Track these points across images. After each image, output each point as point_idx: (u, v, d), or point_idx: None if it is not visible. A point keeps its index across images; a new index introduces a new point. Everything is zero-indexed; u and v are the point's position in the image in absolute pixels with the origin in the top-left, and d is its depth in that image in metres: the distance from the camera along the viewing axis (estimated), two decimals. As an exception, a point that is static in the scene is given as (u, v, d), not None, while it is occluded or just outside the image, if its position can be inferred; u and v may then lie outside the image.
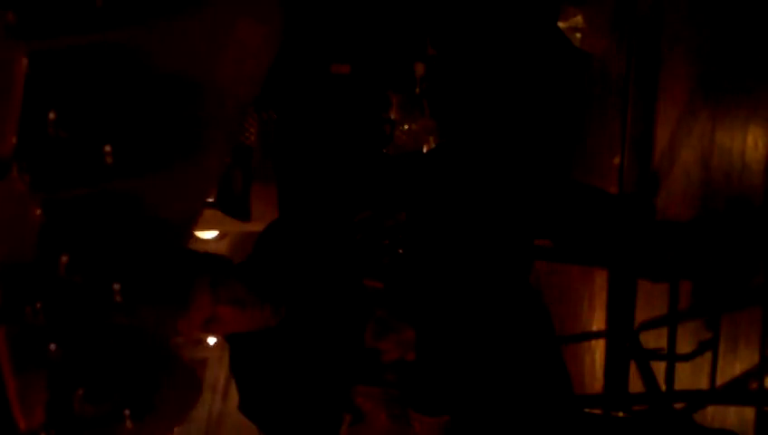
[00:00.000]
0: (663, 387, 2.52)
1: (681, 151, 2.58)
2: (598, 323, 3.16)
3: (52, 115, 0.58)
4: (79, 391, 0.65)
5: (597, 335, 3.15)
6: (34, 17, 0.55)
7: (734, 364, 2.24)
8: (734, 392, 2.25)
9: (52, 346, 0.63)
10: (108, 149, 0.58)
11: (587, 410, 2.41)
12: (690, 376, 2.45)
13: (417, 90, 2.96)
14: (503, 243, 1.85)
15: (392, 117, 2.92)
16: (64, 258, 0.61)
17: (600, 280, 3.10)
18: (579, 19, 3.22)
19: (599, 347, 3.13)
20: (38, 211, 0.61)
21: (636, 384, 2.71)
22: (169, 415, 0.67)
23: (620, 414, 2.48)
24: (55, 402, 0.66)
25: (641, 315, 2.81)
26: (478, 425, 1.74)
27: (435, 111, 2.88)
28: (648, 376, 2.56)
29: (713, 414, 2.32)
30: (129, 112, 0.66)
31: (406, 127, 2.92)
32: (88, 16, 0.59)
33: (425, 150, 2.78)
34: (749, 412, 2.17)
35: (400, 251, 1.60)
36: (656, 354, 2.61)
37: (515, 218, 1.89)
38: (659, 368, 2.56)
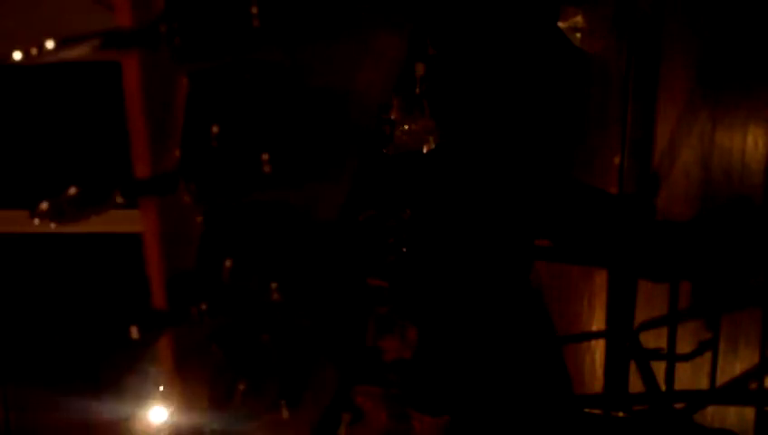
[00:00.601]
0: (663, 387, 2.52)
1: (681, 151, 2.57)
2: (598, 323, 3.16)
3: (214, 129, 0.62)
4: (240, 386, 0.70)
5: (597, 335, 3.15)
6: (197, 41, 0.57)
7: (734, 364, 2.24)
8: (734, 392, 2.25)
9: (214, 347, 0.69)
10: (266, 158, 0.62)
11: (587, 410, 2.41)
12: (690, 376, 2.45)
13: (417, 90, 2.96)
14: (503, 243, 1.85)
15: (392, 117, 2.92)
16: (228, 263, 0.66)
17: (600, 280, 3.10)
18: (579, 19, 3.22)
19: (599, 347, 3.13)
20: (199, 220, 0.65)
21: (636, 384, 2.71)
22: (315, 407, 0.76)
23: (620, 414, 2.48)
24: (218, 397, 0.72)
25: (641, 315, 2.81)
26: (478, 425, 1.74)
27: (435, 110, 2.88)
28: (647, 376, 2.56)
29: (713, 414, 2.31)
30: (284, 125, 0.70)
31: (406, 127, 2.92)
32: (246, 38, 0.62)
33: (425, 150, 2.78)
34: (749, 412, 2.17)
35: (404, 250, 1.60)
36: (656, 354, 2.61)
37: (515, 218, 1.89)
38: (659, 368, 2.56)
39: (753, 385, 2.16)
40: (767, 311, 2.10)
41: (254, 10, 0.62)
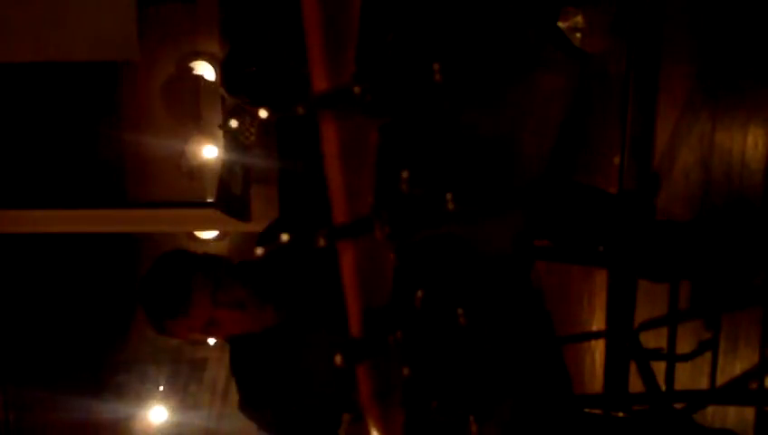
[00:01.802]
0: (663, 387, 2.52)
1: (681, 151, 2.57)
2: (598, 323, 3.16)
3: (404, 175, 0.71)
4: (433, 404, 0.80)
5: (597, 335, 3.15)
6: (387, 98, 0.67)
7: (734, 364, 2.24)
8: (734, 392, 2.25)
9: (406, 370, 0.77)
10: (449, 197, 0.71)
11: (587, 410, 2.41)
12: (690, 376, 2.45)
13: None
14: (503, 241, 1.84)
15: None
16: (419, 293, 0.75)
17: (600, 280, 3.10)
18: (579, 19, 3.22)
19: (599, 347, 3.13)
20: (392, 256, 0.75)
21: (636, 384, 2.71)
22: (503, 417, 0.88)
23: (620, 414, 2.48)
24: (413, 417, 0.80)
25: (641, 315, 2.81)
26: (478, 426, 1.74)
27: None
28: (647, 376, 2.56)
29: (713, 414, 2.31)
30: (464, 169, 0.81)
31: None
32: (428, 92, 0.72)
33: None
34: (749, 412, 2.17)
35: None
36: (656, 354, 2.61)
37: (515, 218, 1.89)
38: (659, 368, 2.56)
39: (753, 385, 2.16)
40: (767, 311, 2.10)
41: (436, 66, 0.70)
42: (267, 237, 2.00)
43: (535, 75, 0.84)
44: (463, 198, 0.72)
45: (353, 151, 0.70)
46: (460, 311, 0.77)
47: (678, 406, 2.39)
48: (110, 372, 5.73)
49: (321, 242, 0.70)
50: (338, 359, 0.73)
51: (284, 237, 0.69)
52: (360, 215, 0.71)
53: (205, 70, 5.50)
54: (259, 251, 0.69)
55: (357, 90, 0.67)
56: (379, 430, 0.82)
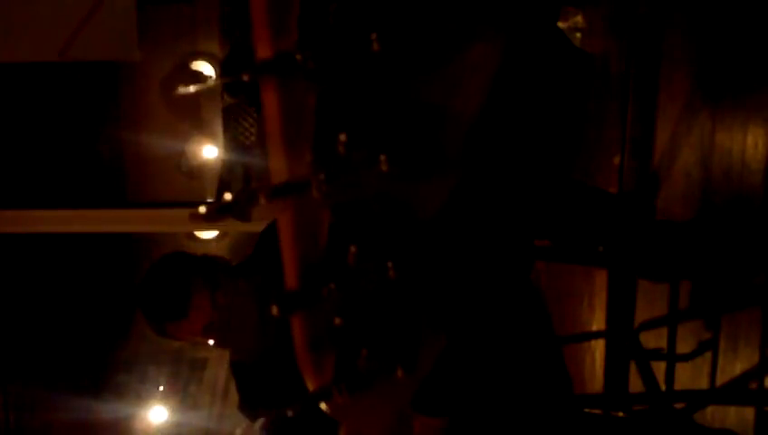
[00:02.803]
0: (663, 387, 2.52)
1: (681, 151, 2.58)
2: (598, 323, 3.16)
3: (342, 137, 0.77)
4: (363, 352, 0.85)
5: (597, 335, 3.15)
6: (327, 64, 0.74)
7: (734, 364, 2.24)
8: (734, 392, 2.25)
9: (338, 320, 0.84)
10: (383, 158, 0.77)
11: (587, 410, 2.41)
12: (690, 376, 2.45)
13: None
14: (503, 243, 1.85)
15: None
16: (353, 248, 0.81)
17: (600, 280, 3.10)
18: (579, 19, 3.22)
19: (599, 347, 3.13)
20: (327, 214, 0.82)
21: (636, 384, 2.72)
22: (424, 367, 0.95)
23: (620, 414, 2.48)
24: (343, 364, 0.87)
25: (641, 315, 2.81)
26: (479, 426, 1.74)
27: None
28: (647, 376, 2.56)
29: (713, 414, 2.32)
30: (397, 132, 0.88)
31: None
32: (368, 62, 0.79)
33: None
34: (749, 412, 2.17)
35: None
36: (656, 354, 2.61)
37: (516, 218, 1.89)
38: (659, 368, 2.56)
39: (753, 385, 2.17)
40: (767, 311, 2.10)
41: (374, 36, 0.75)
42: (268, 237, 2.00)
43: (466, 45, 0.90)
44: (396, 159, 0.77)
45: (293, 116, 0.76)
46: (390, 265, 0.82)
47: (678, 406, 2.39)
48: (110, 372, 5.73)
49: (262, 200, 0.74)
50: (274, 309, 0.78)
51: (227, 197, 0.73)
52: (299, 176, 0.76)
53: (205, 70, 5.50)
54: (202, 209, 0.74)
55: (299, 56, 0.71)
56: (311, 379, 0.88)
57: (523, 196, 1.87)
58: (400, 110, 0.87)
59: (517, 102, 1.58)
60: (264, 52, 0.73)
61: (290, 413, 0.85)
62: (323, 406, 0.90)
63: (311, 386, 0.88)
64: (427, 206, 0.91)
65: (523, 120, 1.74)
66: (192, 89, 0.85)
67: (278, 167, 0.77)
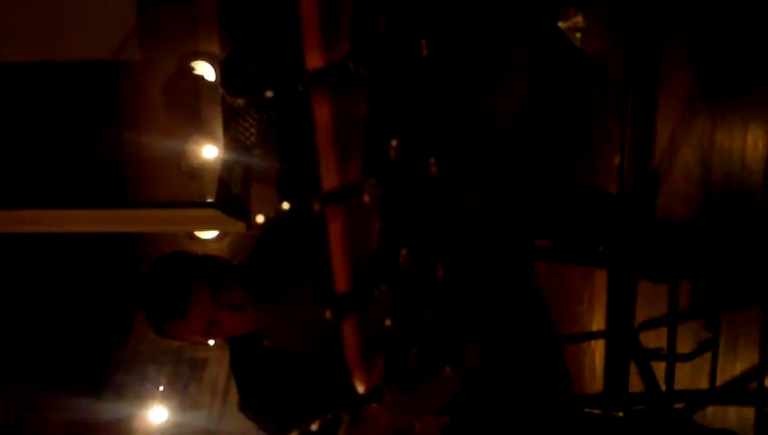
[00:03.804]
0: (663, 387, 2.52)
1: (681, 151, 2.58)
2: (598, 323, 3.16)
3: (394, 143, 0.78)
4: (413, 351, 0.86)
5: (597, 335, 3.15)
6: (377, 71, 0.75)
7: (734, 364, 2.24)
8: (734, 392, 2.25)
9: (388, 321, 0.84)
10: (433, 161, 0.79)
11: (587, 410, 2.41)
12: (690, 376, 2.45)
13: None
14: (503, 243, 1.85)
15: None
16: (404, 251, 0.82)
17: (600, 280, 3.10)
18: (579, 19, 3.22)
19: (599, 347, 3.13)
20: (377, 217, 0.83)
21: (636, 384, 2.72)
22: (468, 366, 0.96)
23: (620, 414, 2.48)
24: (393, 364, 0.88)
25: (641, 315, 2.81)
26: (479, 425, 1.74)
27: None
28: (648, 376, 2.56)
29: (713, 414, 2.32)
30: (446, 135, 0.91)
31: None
32: (417, 68, 0.81)
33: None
34: (749, 412, 2.17)
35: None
36: (656, 354, 2.61)
37: (515, 218, 1.89)
38: (659, 368, 2.56)
39: (753, 385, 2.17)
40: (767, 311, 2.10)
41: (423, 42, 0.77)
42: (267, 236, 2.00)
43: (509, 48, 0.93)
44: (445, 162, 0.78)
45: (344, 124, 0.76)
46: (439, 265, 0.84)
47: (678, 406, 2.39)
48: (110, 372, 5.73)
49: (316, 207, 0.75)
50: (327, 313, 0.79)
51: (285, 205, 0.75)
52: (349, 182, 0.77)
53: (205, 70, 5.50)
54: (260, 219, 0.76)
55: (351, 65, 0.72)
56: (361, 381, 0.89)
57: (523, 195, 1.87)
58: (448, 114, 0.89)
59: (546, 99, 1.60)
60: (315, 62, 0.73)
61: (342, 415, 0.86)
62: (375, 405, 0.91)
63: (361, 387, 0.89)
64: (472, 206, 0.94)
65: (546, 118, 1.75)
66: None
67: (329, 173, 0.78)
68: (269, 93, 0.76)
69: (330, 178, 0.78)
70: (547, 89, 1.88)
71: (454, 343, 0.90)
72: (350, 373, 0.89)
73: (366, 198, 0.76)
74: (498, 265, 1.63)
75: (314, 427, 0.84)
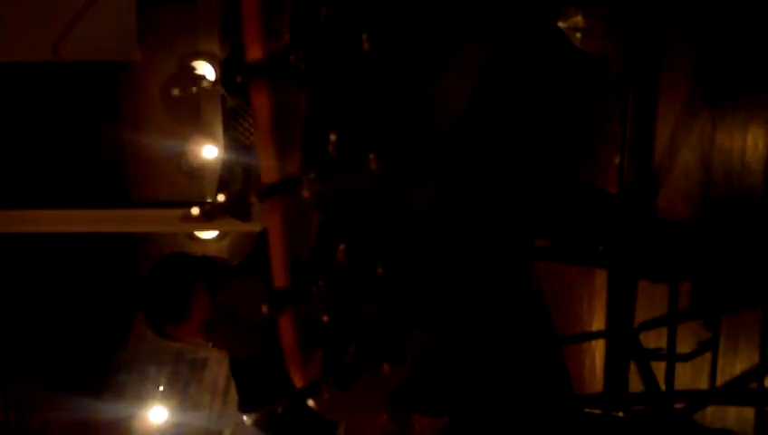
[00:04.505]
0: (663, 387, 2.52)
1: (681, 151, 2.58)
2: (598, 323, 3.16)
3: (332, 138, 0.76)
4: (351, 348, 0.85)
5: (597, 335, 3.15)
6: (320, 66, 0.73)
7: (734, 364, 2.24)
8: (734, 392, 2.25)
9: (326, 317, 0.83)
10: (372, 157, 0.77)
11: (587, 410, 2.41)
12: (690, 376, 2.45)
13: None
14: (503, 243, 1.85)
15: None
16: (342, 246, 0.81)
17: (600, 280, 3.10)
18: (579, 19, 3.22)
19: (599, 347, 3.13)
20: (316, 212, 0.81)
21: (636, 384, 2.71)
22: (409, 362, 0.95)
23: (620, 414, 2.48)
24: (330, 360, 0.86)
25: (641, 315, 2.81)
26: (478, 426, 1.74)
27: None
28: (647, 376, 2.56)
29: (713, 414, 2.31)
30: (385, 130, 0.90)
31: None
32: (358, 62, 0.79)
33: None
34: (749, 412, 2.17)
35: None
36: (656, 354, 2.61)
37: (516, 218, 1.89)
38: (659, 368, 2.56)
39: (753, 385, 2.16)
40: (767, 311, 2.10)
41: (365, 36, 0.76)
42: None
43: (452, 44, 0.92)
44: (384, 157, 0.77)
45: (283, 117, 0.76)
46: (377, 261, 0.83)
47: (678, 406, 2.39)
48: (110, 372, 5.73)
49: (253, 200, 0.74)
50: (264, 308, 0.78)
51: (220, 198, 0.75)
52: (289, 176, 0.76)
53: (205, 70, 5.50)
54: (195, 211, 0.74)
55: (292, 58, 0.72)
56: (298, 376, 0.89)
57: (522, 195, 1.87)
58: (388, 109, 0.88)
59: (509, 100, 1.59)
60: (255, 53, 0.73)
61: (279, 410, 0.85)
62: (311, 402, 0.90)
63: (298, 383, 0.88)
64: (414, 203, 0.93)
65: (519, 118, 1.74)
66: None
67: (268, 167, 0.77)
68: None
69: (268, 171, 0.77)
70: (547, 89, 1.88)
71: (392, 339, 0.89)
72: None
73: (305, 193, 0.75)
74: (476, 264, 1.62)
75: (248, 421, 0.83)
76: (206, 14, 5.37)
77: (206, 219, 0.74)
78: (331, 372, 0.85)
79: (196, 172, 5.64)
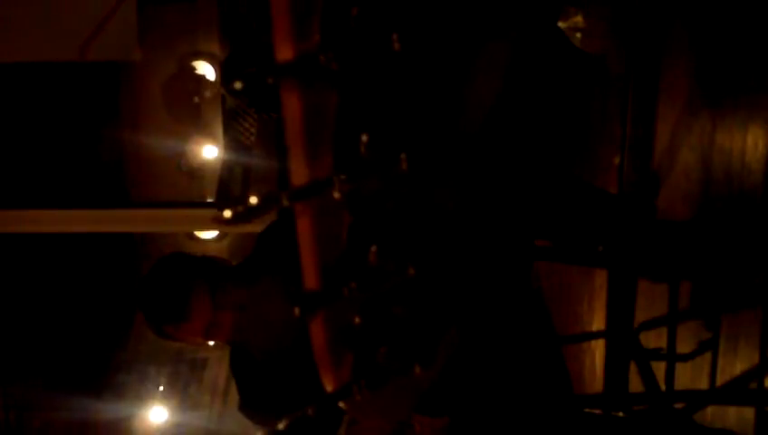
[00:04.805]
0: (663, 387, 2.52)
1: (681, 151, 2.58)
2: (598, 323, 3.16)
3: (364, 138, 0.76)
4: (382, 350, 0.84)
5: (597, 335, 3.15)
6: (350, 66, 0.73)
7: (734, 364, 2.24)
8: (734, 392, 2.25)
9: (357, 319, 0.83)
10: (404, 157, 0.77)
11: (587, 410, 2.41)
12: (690, 376, 2.45)
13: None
14: (503, 243, 1.85)
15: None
16: (374, 248, 0.81)
17: (600, 280, 3.10)
18: (579, 19, 3.22)
19: (599, 347, 3.13)
20: (347, 214, 0.81)
21: (636, 384, 2.72)
22: (440, 363, 0.95)
23: (620, 414, 2.48)
24: (362, 362, 0.86)
25: (641, 315, 2.81)
26: (478, 426, 1.74)
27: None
28: (648, 376, 2.56)
29: (713, 414, 2.32)
30: (416, 131, 0.90)
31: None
32: (389, 62, 0.79)
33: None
34: (749, 412, 2.17)
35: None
36: (656, 354, 2.61)
37: (516, 218, 1.89)
38: (659, 368, 2.56)
39: (753, 385, 2.16)
40: (767, 311, 2.10)
41: (395, 36, 0.76)
42: (267, 237, 2.00)
43: (480, 43, 0.91)
44: (416, 158, 0.77)
45: (314, 118, 0.75)
46: (410, 268, 0.82)
47: (678, 406, 2.39)
48: (110, 372, 5.73)
49: (285, 202, 0.74)
50: (296, 310, 0.78)
51: (252, 200, 0.74)
52: (318, 178, 0.75)
53: (205, 70, 5.50)
54: (227, 214, 0.73)
55: (322, 58, 0.71)
56: (329, 379, 0.88)
57: (523, 195, 1.87)
58: (418, 108, 0.88)
59: (528, 98, 1.59)
60: (285, 54, 0.72)
61: (310, 413, 0.84)
62: (342, 404, 0.90)
63: (329, 386, 0.88)
64: (444, 204, 0.93)
65: (540, 116, 1.74)
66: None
67: (299, 169, 0.77)
68: (237, 85, 0.76)
69: (299, 173, 0.76)
70: (547, 89, 1.88)
71: (424, 342, 0.89)
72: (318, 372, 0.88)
73: (336, 194, 0.75)
74: (484, 264, 1.62)
75: (281, 426, 0.83)
76: (206, 14, 5.37)
77: (238, 222, 0.73)
78: (363, 374, 0.85)
79: (196, 172, 5.64)
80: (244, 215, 0.73)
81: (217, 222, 0.73)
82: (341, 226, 0.81)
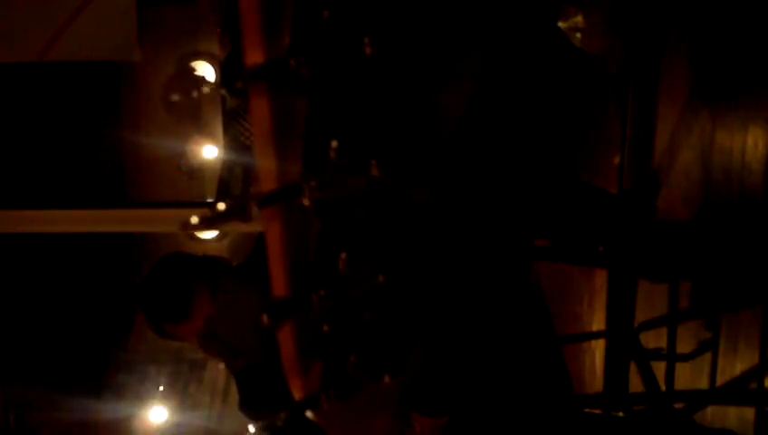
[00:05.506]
0: (663, 387, 2.52)
1: (681, 151, 2.58)
2: (598, 323, 3.16)
3: (334, 144, 0.75)
4: (351, 358, 0.83)
5: (597, 335, 3.15)
6: (321, 71, 0.72)
7: (734, 364, 2.24)
8: (734, 392, 2.25)
9: (326, 327, 0.82)
10: (374, 163, 0.77)
11: (587, 410, 2.41)
12: (690, 376, 2.45)
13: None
14: (503, 242, 1.85)
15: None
16: (343, 255, 0.79)
17: (600, 280, 3.10)
18: (579, 19, 3.22)
19: (599, 347, 3.13)
20: (317, 220, 0.80)
21: (636, 384, 2.72)
22: (409, 373, 0.94)
23: (620, 414, 2.48)
24: (331, 370, 0.86)
25: (641, 315, 2.81)
26: (478, 426, 1.74)
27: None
28: (648, 376, 2.56)
29: (713, 414, 2.32)
30: (387, 136, 0.89)
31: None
32: (360, 66, 0.78)
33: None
34: (749, 412, 2.17)
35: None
36: (656, 354, 2.61)
37: (516, 218, 1.89)
38: (659, 368, 2.56)
39: (753, 385, 2.17)
40: (767, 311, 2.10)
41: (366, 40, 0.75)
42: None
43: (455, 51, 0.91)
44: (386, 164, 0.76)
45: (283, 123, 0.74)
46: (381, 277, 0.82)
47: (678, 406, 2.39)
48: (110, 372, 5.73)
49: (253, 208, 0.74)
50: (264, 318, 0.77)
51: (220, 205, 0.73)
52: (288, 183, 0.75)
53: (205, 70, 5.50)
54: (194, 220, 0.73)
55: (293, 62, 0.70)
56: (297, 387, 0.87)
57: (522, 196, 1.87)
58: (389, 113, 0.87)
59: (507, 102, 1.59)
60: (254, 58, 0.71)
61: (279, 422, 0.83)
62: (310, 414, 0.89)
63: (297, 394, 0.87)
64: (415, 209, 0.92)
65: (519, 119, 1.74)
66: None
67: (268, 174, 0.76)
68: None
69: (268, 179, 0.76)
70: (547, 89, 1.88)
71: (394, 350, 0.87)
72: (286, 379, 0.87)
73: (305, 200, 0.74)
74: (473, 267, 1.61)
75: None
76: (206, 15, 5.37)
77: (206, 227, 0.73)
78: (331, 383, 0.84)
79: (196, 172, 5.64)
80: (212, 220, 0.73)
81: (185, 228, 0.73)
82: (311, 232, 0.80)
